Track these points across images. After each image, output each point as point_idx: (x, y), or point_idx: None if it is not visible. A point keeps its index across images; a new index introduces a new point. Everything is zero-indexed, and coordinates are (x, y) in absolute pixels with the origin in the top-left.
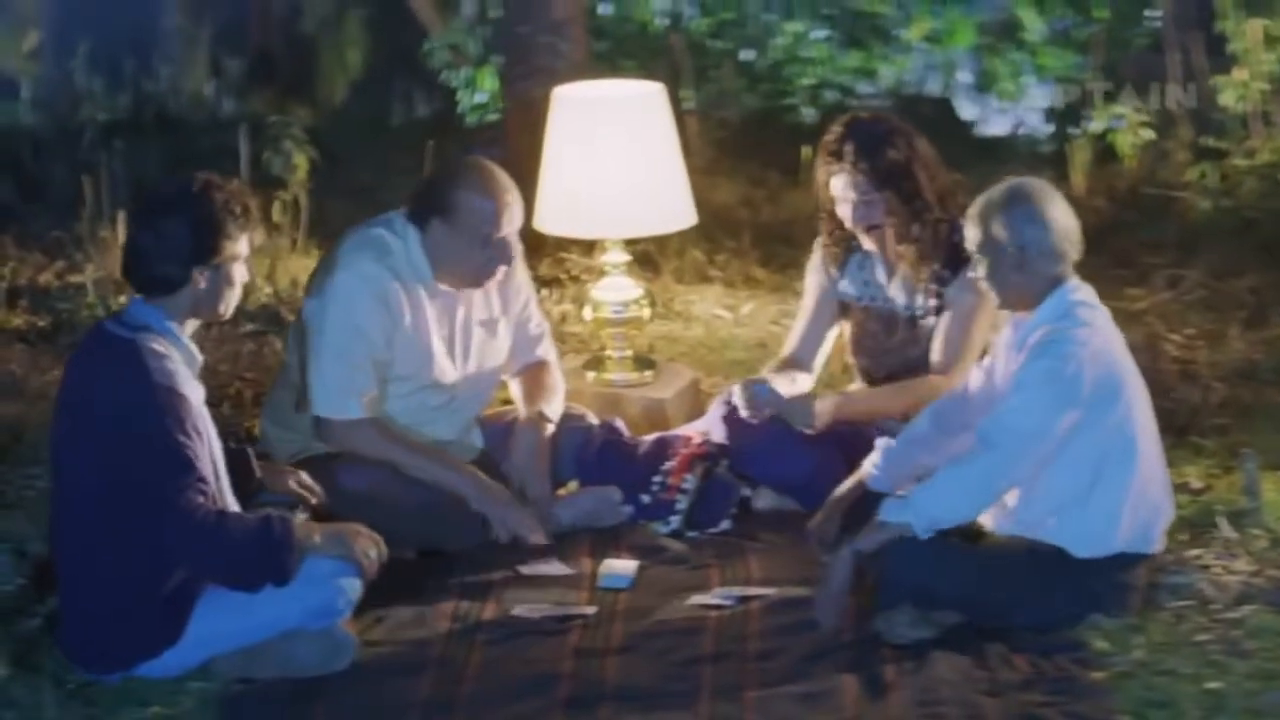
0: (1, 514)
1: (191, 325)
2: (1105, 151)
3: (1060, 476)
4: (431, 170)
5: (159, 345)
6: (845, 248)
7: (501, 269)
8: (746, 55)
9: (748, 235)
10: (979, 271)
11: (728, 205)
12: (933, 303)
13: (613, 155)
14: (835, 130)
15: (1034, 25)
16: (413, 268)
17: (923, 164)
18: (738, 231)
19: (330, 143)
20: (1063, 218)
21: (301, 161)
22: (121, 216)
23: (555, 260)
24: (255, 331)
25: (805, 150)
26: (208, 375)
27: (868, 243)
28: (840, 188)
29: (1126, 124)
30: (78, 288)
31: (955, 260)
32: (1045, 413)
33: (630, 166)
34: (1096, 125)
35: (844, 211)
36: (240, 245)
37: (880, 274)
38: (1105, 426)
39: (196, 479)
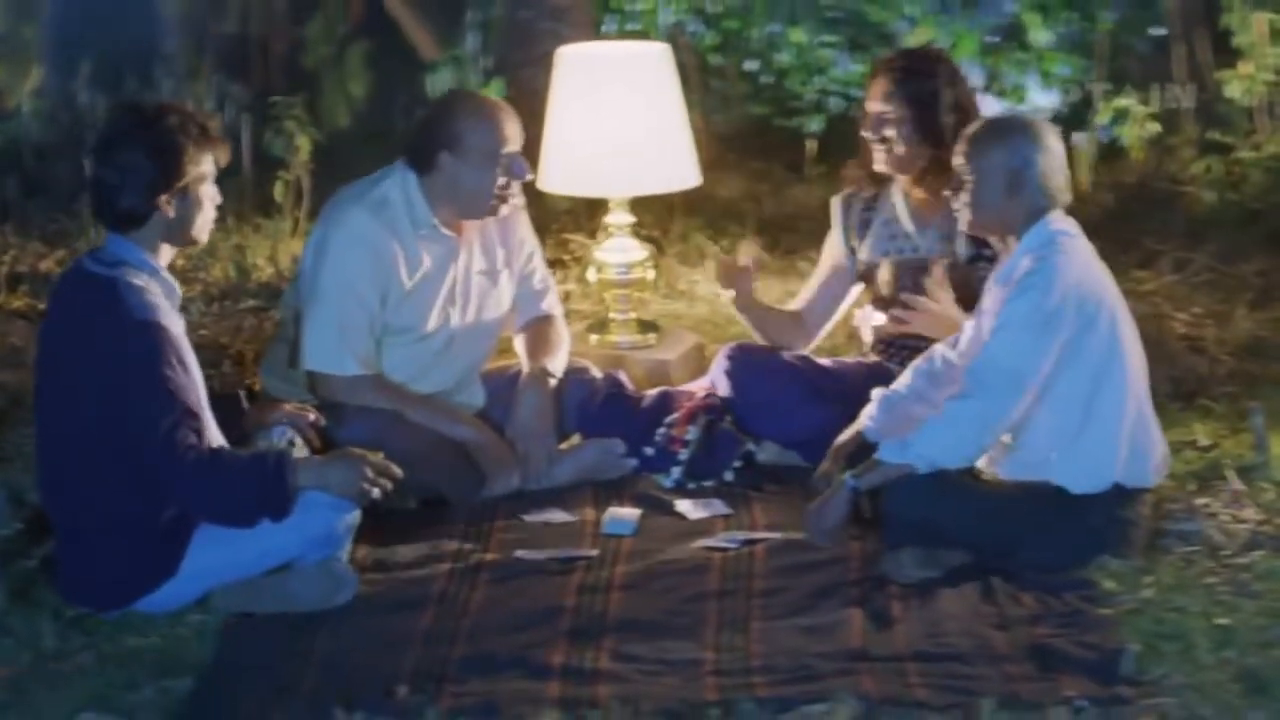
0: (1, 466)
1: (167, 255)
2: (1110, 149)
3: (1054, 413)
4: (423, 115)
5: (138, 279)
6: (872, 196)
7: (515, 187)
8: (750, 66)
9: (751, 225)
10: (960, 194)
11: (732, 199)
12: (988, 252)
13: (617, 113)
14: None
15: (1038, 32)
16: (412, 217)
17: (955, 105)
18: (742, 222)
19: (335, 147)
20: (1051, 156)
21: (304, 142)
22: None
23: (559, 241)
24: (256, 308)
25: (810, 145)
26: (210, 349)
27: (879, 163)
28: (872, 93)
29: (1131, 119)
30: None
31: None
32: (1032, 348)
33: (634, 125)
34: (1102, 121)
35: (866, 121)
36: (204, 165)
37: (908, 223)
38: (1090, 353)
39: (184, 413)
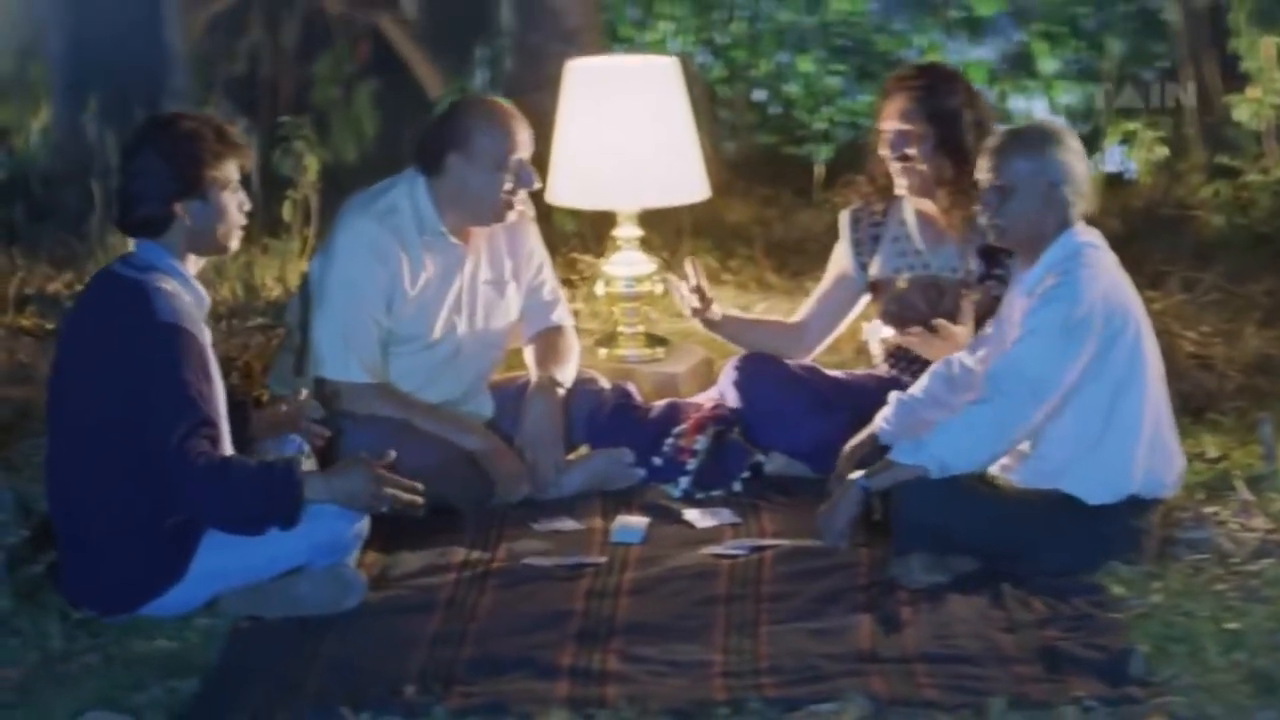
0: (8, 475)
1: (195, 264)
2: (1118, 179)
3: (1074, 423)
4: (434, 116)
5: (167, 285)
6: (881, 211)
7: (522, 196)
8: (759, 96)
9: (760, 248)
10: (986, 207)
11: (741, 224)
12: (999, 271)
13: (625, 126)
14: (912, 65)
15: (1046, 60)
16: (419, 224)
17: (975, 122)
18: (750, 244)
19: (344, 173)
20: (1076, 166)
21: (312, 162)
22: None
23: (568, 261)
24: (264, 325)
25: (818, 170)
26: (219, 362)
27: (900, 187)
28: (889, 112)
29: (1139, 143)
30: None
31: None
32: (1057, 359)
33: (642, 138)
34: (1110, 143)
35: (884, 139)
36: (224, 171)
37: (918, 240)
38: (1114, 365)
39: (200, 421)
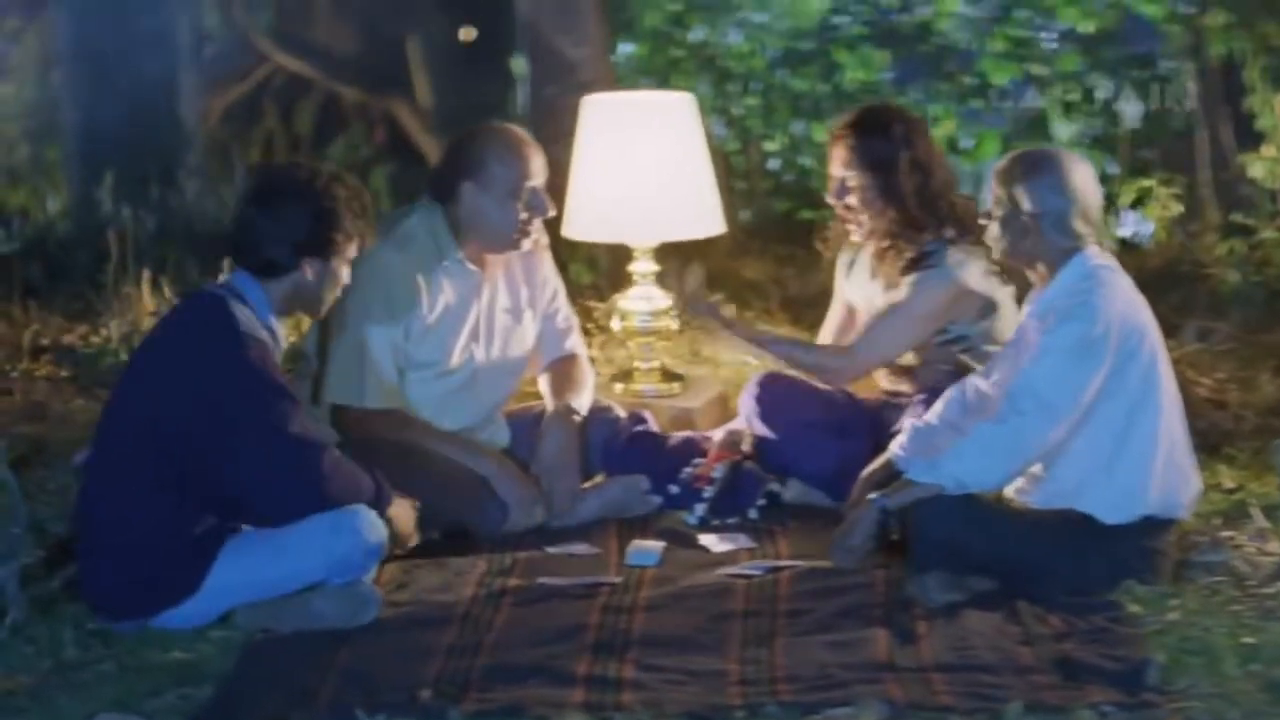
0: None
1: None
2: (1132, 245)
3: (1088, 443)
4: (448, 145)
5: (247, 313)
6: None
7: (537, 223)
8: (773, 165)
9: (776, 301)
10: (990, 229)
11: (757, 281)
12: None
13: (641, 161)
14: (853, 110)
15: (1060, 128)
16: (438, 252)
17: (913, 162)
18: (766, 298)
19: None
20: (1086, 191)
21: None
22: (146, 275)
23: (583, 310)
24: (284, 369)
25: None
26: None
27: (852, 230)
28: (832, 158)
29: (1154, 199)
30: (104, 343)
31: (914, 267)
32: (1073, 378)
33: (658, 173)
34: (1124, 204)
35: (830, 187)
36: (351, 245)
37: (870, 276)
38: (1129, 385)
39: (298, 406)
